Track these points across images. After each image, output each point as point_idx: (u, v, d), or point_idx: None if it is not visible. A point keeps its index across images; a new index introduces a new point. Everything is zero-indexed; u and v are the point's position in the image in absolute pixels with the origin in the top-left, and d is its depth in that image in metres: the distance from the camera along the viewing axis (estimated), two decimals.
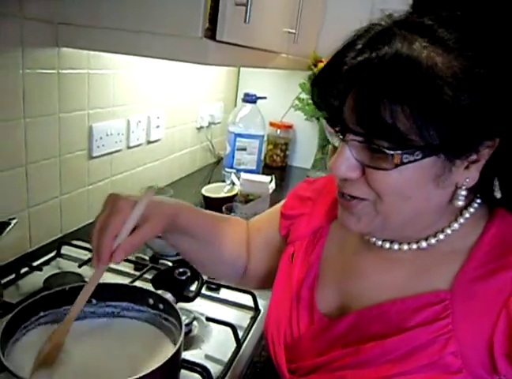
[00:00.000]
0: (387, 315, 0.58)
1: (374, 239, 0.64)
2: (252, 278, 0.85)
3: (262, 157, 2.04)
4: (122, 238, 0.59)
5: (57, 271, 1.03)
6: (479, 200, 0.60)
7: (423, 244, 0.60)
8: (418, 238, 0.60)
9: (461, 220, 0.59)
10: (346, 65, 0.52)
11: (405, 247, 0.61)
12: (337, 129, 0.56)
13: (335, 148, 0.57)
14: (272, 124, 2.18)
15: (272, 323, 0.70)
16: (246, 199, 1.49)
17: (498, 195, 0.59)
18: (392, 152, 0.49)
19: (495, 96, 0.48)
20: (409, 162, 0.50)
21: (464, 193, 0.54)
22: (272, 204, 1.54)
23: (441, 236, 0.59)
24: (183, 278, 0.77)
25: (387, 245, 0.62)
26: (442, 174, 0.52)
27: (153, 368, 0.54)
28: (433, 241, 0.59)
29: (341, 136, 0.54)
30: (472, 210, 0.59)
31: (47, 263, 1.08)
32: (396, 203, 0.54)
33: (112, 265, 1.07)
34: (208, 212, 0.81)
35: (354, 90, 0.50)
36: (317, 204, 0.76)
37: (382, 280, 0.62)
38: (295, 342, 0.66)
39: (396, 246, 0.62)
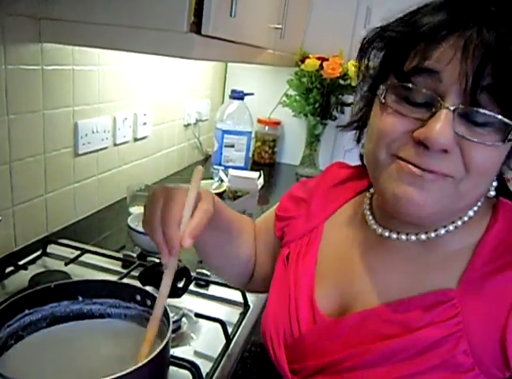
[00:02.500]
0: (394, 314, 0.56)
1: (380, 230, 0.62)
2: (257, 281, 0.85)
3: (250, 154, 2.03)
4: (186, 223, 0.58)
5: (43, 270, 1.02)
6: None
7: (432, 234, 0.58)
8: (427, 228, 0.59)
9: (471, 213, 0.58)
10: (473, 43, 0.48)
11: (413, 238, 0.59)
12: (432, 95, 0.50)
13: (388, 109, 0.53)
14: (260, 121, 2.18)
15: (270, 324, 0.68)
16: (235, 195, 1.48)
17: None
18: (507, 122, 0.48)
19: None
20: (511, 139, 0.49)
21: (495, 183, 0.55)
22: (260, 201, 1.55)
23: (451, 227, 0.58)
24: (174, 273, 0.76)
25: (394, 236, 0.61)
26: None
27: (140, 364, 0.53)
28: (442, 231, 0.58)
29: (442, 104, 0.49)
30: (479, 203, 0.58)
31: (32, 262, 1.06)
32: (478, 182, 0.52)
33: (99, 263, 1.07)
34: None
35: (491, 67, 0.47)
36: (310, 204, 0.75)
37: (386, 278, 0.61)
38: (297, 342, 0.64)
39: (404, 236, 0.60)
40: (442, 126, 0.49)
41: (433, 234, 0.58)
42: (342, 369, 0.57)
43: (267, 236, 0.82)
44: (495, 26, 0.47)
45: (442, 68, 0.49)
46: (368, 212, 0.67)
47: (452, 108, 0.49)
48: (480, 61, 0.47)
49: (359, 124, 0.68)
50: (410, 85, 0.52)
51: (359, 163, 0.73)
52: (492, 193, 0.55)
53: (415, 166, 0.52)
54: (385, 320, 0.57)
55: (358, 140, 0.69)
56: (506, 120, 0.48)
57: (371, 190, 0.69)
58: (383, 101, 0.55)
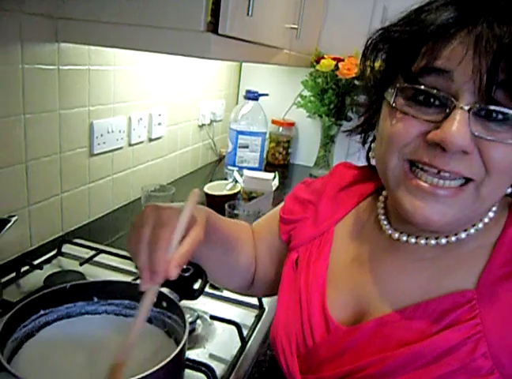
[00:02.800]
0: (411, 320, 0.55)
1: (397, 235, 0.60)
2: (258, 286, 0.83)
3: (264, 155, 2.02)
4: (174, 250, 0.55)
5: (58, 269, 1.02)
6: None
7: (452, 238, 0.57)
8: (447, 232, 0.57)
9: (491, 214, 0.57)
10: (485, 39, 0.46)
11: (433, 242, 0.58)
12: (445, 95, 0.49)
13: (403, 114, 0.52)
14: (274, 121, 2.16)
15: (281, 332, 0.66)
16: (249, 196, 1.47)
17: None
18: None
19: None
20: None
21: None
22: (275, 202, 1.54)
23: (472, 230, 0.56)
24: (187, 275, 0.74)
25: (413, 240, 0.59)
26: None
27: (157, 367, 0.53)
28: (463, 235, 0.56)
29: (456, 104, 0.48)
30: (497, 203, 0.57)
31: (47, 261, 1.06)
32: (500, 184, 0.51)
33: (114, 263, 1.07)
34: (225, 217, 0.78)
35: (505, 63, 0.46)
36: (318, 207, 0.74)
37: (402, 283, 0.59)
38: (310, 352, 0.62)
39: (423, 241, 0.58)
40: (459, 127, 0.47)
41: (453, 238, 0.57)
42: (361, 378, 0.55)
43: (271, 239, 0.80)
44: (506, 20, 0.46)
45: (454, 67, 0.48)
46: (383, 217, 0.65)
47: (467, 108, 0.47)
48: (494, 57, 0.45)
49: (365, 127, 0.67)
50: (421, 87, 0.50)
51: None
52: (509, 189, 0.54)
53: (431, 171, 0.51)
54: (402, 326, 0.55)
55: (363, 143, 0.68)
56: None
57: (384, 193, 0.68)
58: (393, 104, 0.53)
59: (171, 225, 0.56)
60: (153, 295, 0.57)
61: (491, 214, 0.57)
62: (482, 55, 0.46)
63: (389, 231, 0.62)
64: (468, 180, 0.50)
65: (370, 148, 0.67)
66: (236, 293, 0.89)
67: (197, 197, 0.60)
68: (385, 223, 0.64)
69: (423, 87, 0.50)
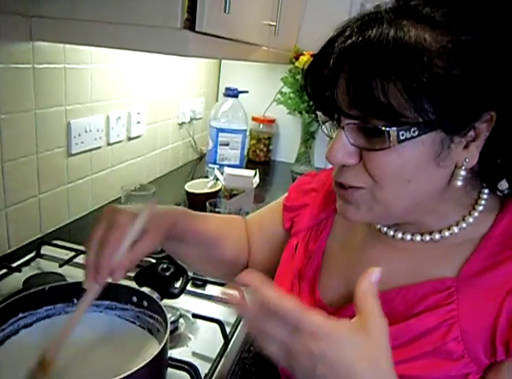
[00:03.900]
0: (392, 302, 0.57)
1: (385, 229, 0.63)
2: None
3: (245, 152, 2.02)
4: (121, 254, 0.56)
5: (37, 271, 1.00)
6: (486, 191, 0.59)
7: (437, 236, 0.59)
8: (431, 230, 0.60)
9: (476, 214, 0.58)
10: (335, 52, 0.52)
11: (418, 238, 0.60)
12: (332, 116, 0.55)
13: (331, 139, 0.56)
14: (254, 119, 2.16)
15: None
16: (231, 194, 1.47)
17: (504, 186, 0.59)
18: (388, 129, 0.48)
19: (486, 67, 0.48)
20: (406, 139, 0.49)
21: (463, 173, 0.53)
22: (256, 199, 1.54)
23: (455, 229, 0.58)
24: (167, 274, 0.75)
25: (399, 235, 0.62)
26: (441, 152, 0.51)
27: (138, 367, 0.52)
28: (447, 233, 0.59)
29: (336, 124, 0.54)
30: (483, 202, 0.59)
31: (26, 264, 1.04)
32: (395, 188, 0.53)
33: None
34: (208, 214, 0.80)
35: (344, 73, 0.50)
36: (321, 195, 0.76)
37: (389, 269, 0.61)
38: None
39: (408, 237, 0.61)
40: (334, 144, 0.53)
41: (437, 236, 0.59)
42: None
43: (271, 229, 0.82)
44: (348, 37, 0.52)
45: (326, 94, 0.53)
46: None
47: (342, 125, 0.53)
48: (332, 77, 0.51)
49: None
50: (320, 114, 0.57)
51: None
52: (459, 182, 0.54)
53: (340, 184, 0.57)
54: (384, 307, 0.56)
55: None
56: (372, 125, 0.50)
57: None
58: (322, 126, 0.59)
59: (122, 228, 0.57)
60: (93, 295, 0.58)
61: (476, 213, 0.58)
62: (332, 77, 0.52)
63: (378, 226, 0.65)
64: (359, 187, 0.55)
65: None
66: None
67: (154, 207, 0.62)
68: None
69: (320, 115, 0.58)
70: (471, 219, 0.58)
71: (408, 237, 0.61)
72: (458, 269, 0.56)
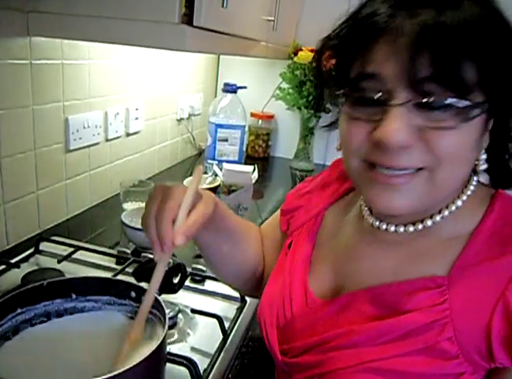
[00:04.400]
0: (382, 297, 0.57)
1: (371, 220, 0.63)
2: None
3: (244, 148, 2.02)
4: (181, 221, 0.57)
5: (35, 268, 1.00)
6: (475, 178, 0.59)
7: (419, 226, 0.59)
8: (414, 219, 0.59)
9: (459, 202, 0.58)
10: (407, 30, 0.48)
11: (401, 229, 0.60)
12: (380, 95, 0.51)
13: (353, 119, 0.54)
14: (253, 114, 2.16)
15: (265, 306, 0.70)
16: (229, 190, 1.46)
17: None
18: (465, 106, 0.48)
19: None
20: (473, 117, 0.49)
21: (484, 156, 0.54)
22: (255, 195, 1.54)
23: (437, 218, 0.58)
24: (166, 269, 0.74)
25: (384, 226, 0.61)
26: (482, 134, 0.52)
27: (136, 362, 0.52)
28: (429, 223, 0.58)
29: (396, 102, 0.49)
30: (469, 192, 0.58)
31: (25, 260, 1.05)
32: (454, 169, 0.52)
33: (93, 260, 1.06)
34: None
35: (428, 52, 0.47)
36: (313, 194, 0.77)
37: (377, 263, 0.61)
38: (288, 323, 0.66)
39: (392, 228, 0.61)
40: (394, 124, 0.49)
41: (420, 226, 0.59)
42: (328, 349, 0.58)
43: (273, 236, 0.83)
44: (422, 8, 0.48)
45: (381, 69, 0.50)
46: (364, 203, 0.67)
47: (401, 103, 0.49)
48: (411, 51, 0.47)
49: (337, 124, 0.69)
50: (359, 91, 0.53)
51: None
52: (484, 166, 0.56)
53: (384, 167, 0.52)
54: (373, 302, 0.58)
55: None
56: (457, 102, 0.48)
57: None
58: (341, 109, 0.56)
59: (176, 200, 0.58)
60: (164, 264, 0.60)
61: (459, 202, 0.58)
62: (402, 51, 0.48)
63: (367, 217, 0.65)
64: (419, 168, 0.52)
65: None
66: (247, 295, 0.95)
67: (200, 173, 0.63)
68: (366, 209, 0.66)
69: (358, 93, 0.53)
70: (453, 207, 0.57)
71: (392, 228, 0.60)
72: (449, 266, 0.55)
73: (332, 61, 0.60)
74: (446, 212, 0.58)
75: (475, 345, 0.51)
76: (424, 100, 0.48)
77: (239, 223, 0.79)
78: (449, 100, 0.48)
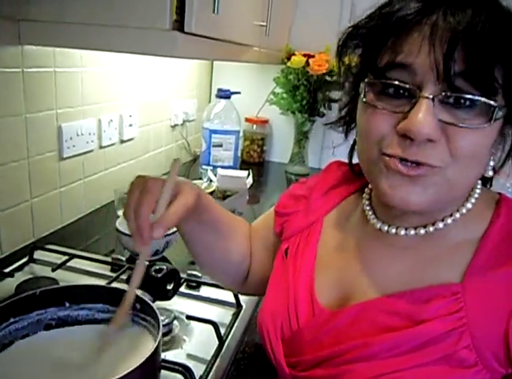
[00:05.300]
0: (395, 307, 0.56)
1: (379, 225, 0.62)
2: (252, 282, 0.83)
3: (239, 153, 2.02)
4: (159, 214, 0.58)
5: (30, 276, 1.00)
6: (479, 181, 0.59)
7: (430, 228, 0.58)
8: (423, 223, 0.59)
9: (469, 205, 0.58)
10: (441, 27, 0.48)
11: (412, 232, 0.59)
12: (410, 86, 0.50)
13: (372, 107, 0.53)
14: (247, 119, 2.16)
15: (267, 317, 0.67)
16: (224, 195, 1.46)
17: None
18: (494, 106, 0.49)
19: None
20: (497, 119, 0.50)
21: (492, 163, 0.55)
22: (250, 200, 1.54)
23: (449, 220, 0.57)
24: (159, 275, 0.74)
25: (393, 230, 0.60)
26: (496, 139, 0.53)
27: (129, 370, 0.52)
28: (441, 225, 0.58)
29: (425, 94, 0.49)
30: (476, 195, 0.58)
31: (19, 269, 1.04)
32: (468, 169, 0.52)
33: (88, 268, 1.05)
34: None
35: (463, 50, 0.47)
36: (310, 199, 0.75)
37: (387, 270, 0.60)
38: (295, 335, 0.63)
39: (402, 232, 0.59)
40: (423, 116, 0.49)
41: (431, 229, 0.58)
42: (341, 362, 0.56)
43: (265, 234, 0.81)
44: (460, 8, 0.48)
45: (413, 60, 0.50)
46: (368, 207, 0.66)
47: (430, 97, 0.49)
48: (448, 46, 0.47)
49: (346, 120, 0.68)
50: (387, 81, 0.52)
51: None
52: (491, 172, 0.56)
53: (402, 160, 0.51)
54: (386, 311, 0.56)
55: (346, 135, 0.70)
56: (487, 101, 0.48)
57: (370, 185, 0.69)
58: (364, 99, 0.55)
59: (154, 192, 0.58)
60: (146, 255, 0.61)
61: (469, 205, 0.58)
62: (437, 46, 0.48)
63: (373, 221, 0.63)
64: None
65: (355, 142, 0.67)
66: (230, 290, 0.93)
67: (178, 165, 0.63)
68: (370, 213, 0.65)
69: (389, 81, 0.52)
70: (464, 210, 0.57)
71: (402, 232, 0.59)
72: (461, 272, 0.54)
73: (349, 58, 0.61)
74: (458, 215, 0.57)
75: (493, 352, 0.50)
76: (455, 95, 0.49)
77: (224, 216, 0.77)
78: (478, 98, 0.48)
